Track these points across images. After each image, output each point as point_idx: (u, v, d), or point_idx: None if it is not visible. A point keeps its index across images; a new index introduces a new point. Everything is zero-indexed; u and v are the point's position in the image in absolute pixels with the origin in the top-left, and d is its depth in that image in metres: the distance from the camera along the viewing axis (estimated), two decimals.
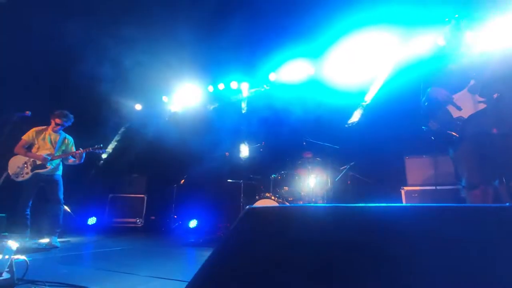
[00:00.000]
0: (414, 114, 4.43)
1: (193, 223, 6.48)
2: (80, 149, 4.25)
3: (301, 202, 4.56)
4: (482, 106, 2.10)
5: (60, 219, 4.18)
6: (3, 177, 3.93)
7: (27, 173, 3.98)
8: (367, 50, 5.37)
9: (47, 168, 4.08)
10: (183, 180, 6.95)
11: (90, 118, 6.44)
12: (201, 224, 5.99)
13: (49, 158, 4.08)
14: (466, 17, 2.39)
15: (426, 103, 2.43)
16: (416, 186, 4.35)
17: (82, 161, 4.35)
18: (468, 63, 2.24)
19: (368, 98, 5.07)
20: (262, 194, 4.52)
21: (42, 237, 4.01)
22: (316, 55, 6.00)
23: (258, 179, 4.98)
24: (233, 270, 1.05)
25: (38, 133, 4.23)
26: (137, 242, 4.77)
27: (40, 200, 4.22)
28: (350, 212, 1.03)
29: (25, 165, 4.01)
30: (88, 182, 7.09)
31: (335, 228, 1.03)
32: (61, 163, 4.34)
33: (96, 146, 4.35)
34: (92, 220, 6.84)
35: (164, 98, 7.80)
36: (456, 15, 2.42)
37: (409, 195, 4.33)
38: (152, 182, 6.95)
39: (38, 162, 4.03)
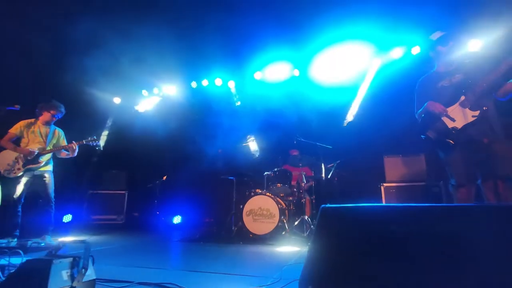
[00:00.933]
0: (392, 118, 4.99)
1: (177, 219, 6.54)
2: (73, 142, 4.11)
3: (291, 198, 4.88)
4: (471, 119, 2.54)
5: (52, 217, 4.07)
6: None
7: (18, 169, 3.79)
8: (350, 56, 5.82)
9: (39, 163, 3.91)
10: (165, 177, 6.92)
11: (67, 112, 6.12)
12: (194, 220, 6.08)
13: (36, 151, 3.91)
14: (452, 35, 2.79)
15: (423, 115, 2.83)
16: (393, 182, 4.90)
17: (75, 154, 4.21)
18: (459, 81, 2.68)
19: (352, 112, 5.54)
20: (255, 191, 4.76)
21: (39, 236, 3.86)
22: (302, 56, 6.29)
23: (251, 176, 5.19)
24: (329, 264, 1.27)
25: (27, 126, 4.04)
26: (133, 238, 4.74)
27: (28, 198, 4.03)
28: (428, 211, 1.29)
29: (16, 161, 3.81)
30: (64, 178, 6.71)
31: (410, 225, 1.28)
32: (51, 158, 4.17)
33: (90, 138, 4.24)
34: (67, 218, 6.54)
35: (144, 92, 7.63)
36: (443, 32, 2.81)
37: (387, 190, 4.87)
38: (134, 178, 6.82)
39: (30, 157, 3.84)
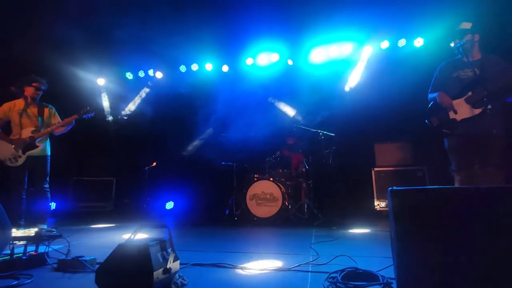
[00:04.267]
0: (382, 108, 5.33)
1: (169, 205, 6.52)
2: (72, 115, 3.84)
3: (289, 183, 5.11)
4: (472, 114, 2.86)
5: (49, 204, 3.91)
6: None
7: (19, 157, 3.61)
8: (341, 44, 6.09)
9: (38, 146, 3.70)
10: (155, 163, 6.82)
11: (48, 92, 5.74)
12: (189, 206, 6.11)
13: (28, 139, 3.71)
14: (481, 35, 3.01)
15: (432, 102, 3.13)
16: (383, 167, 5.31)
17: (70, 127, 3.97)
18: (469, 77, 2.96)
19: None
20: (257, 176, 4.92)
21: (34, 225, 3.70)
22: (294, 44, 6.40)
23: (250, 162, 5.34)
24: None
25: (12, 109, 3.75)
26: (132, 224, 4.70)
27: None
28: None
29: (15, 148, 3.60)
30: None
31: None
32: (48, 140, 3.94)
33: (83, 110, 3.89)
34: (51, 205, 6.25)
35: (128, 75, 7.32)
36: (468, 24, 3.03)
37: (378, 174, 5.28)
38: (122, 165, 6.62)
39: (27, 142, 3.65)
